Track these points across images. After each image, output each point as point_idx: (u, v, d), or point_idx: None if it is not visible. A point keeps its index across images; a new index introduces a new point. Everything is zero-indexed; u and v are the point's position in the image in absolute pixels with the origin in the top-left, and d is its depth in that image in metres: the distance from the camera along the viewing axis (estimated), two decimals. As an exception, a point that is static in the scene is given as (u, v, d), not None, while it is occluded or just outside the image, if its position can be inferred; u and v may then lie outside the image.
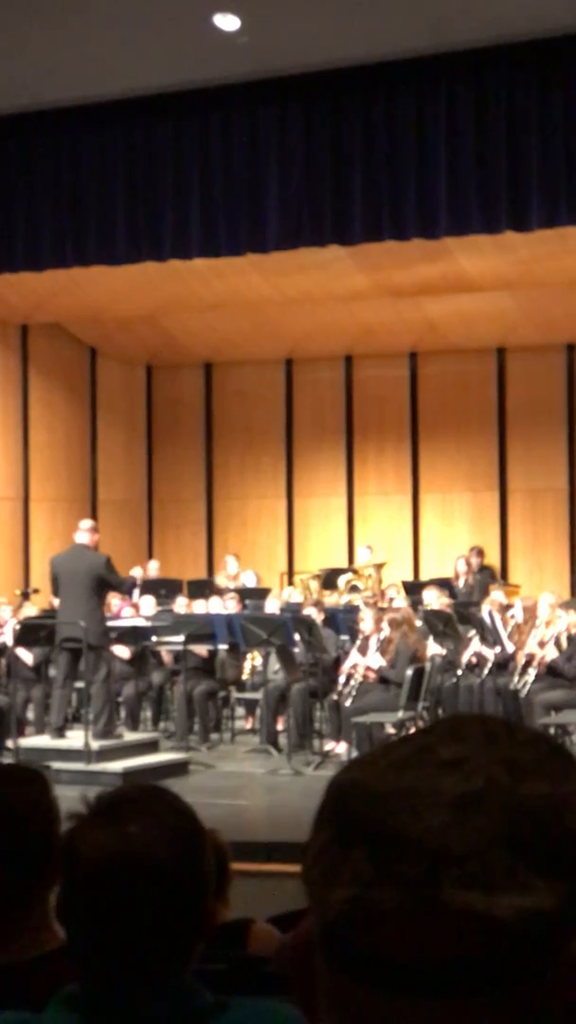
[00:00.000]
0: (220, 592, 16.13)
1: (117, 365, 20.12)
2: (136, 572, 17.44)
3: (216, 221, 12.56)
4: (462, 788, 0.83)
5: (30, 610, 14.68)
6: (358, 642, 12.71)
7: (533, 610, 13.20)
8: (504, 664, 12.86)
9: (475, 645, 13.05)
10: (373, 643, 12.47)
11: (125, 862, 1.81)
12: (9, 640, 13.21)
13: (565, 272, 15.24)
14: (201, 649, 13.57)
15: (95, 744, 11.53)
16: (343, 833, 0.84)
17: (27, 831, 2.43)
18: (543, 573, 18.43)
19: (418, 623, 13.33)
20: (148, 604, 15.39)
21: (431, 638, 13.31)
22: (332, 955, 0.84)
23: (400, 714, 11.74)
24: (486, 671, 12.85)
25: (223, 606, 15.05)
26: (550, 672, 12.42)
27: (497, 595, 14.51)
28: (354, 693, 12.29)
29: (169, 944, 1.81)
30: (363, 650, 12.54)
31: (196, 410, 20.47)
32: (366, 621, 12.67)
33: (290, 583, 18.51)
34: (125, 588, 14.48)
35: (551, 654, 12.42)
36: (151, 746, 12.32)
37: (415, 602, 14.78)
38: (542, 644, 12.57)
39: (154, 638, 13.81)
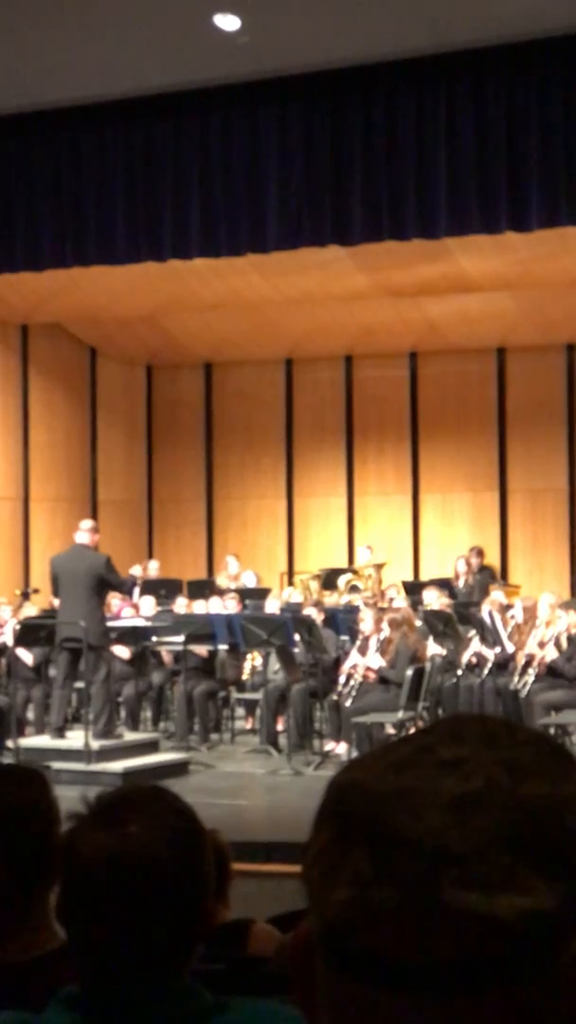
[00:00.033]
0: (221, 592, 16.14)
1: (117, 365, 20.12)
2: (135, 571, 17.45)
3: (216, 221, 12.56)
4: (462, 788, 0.83)
5: (30, 610, 14.69)
6: (358, 642, 12.71)
7: (533, 610, 13.20)
8: (504, 664, 12.86)
9: (475, 645, 13.05)
10: (373, 643, 12.47)
11: (125, 862, 1.81)
12: (9, 640, 13.22)
13: (565, 272, 15.24)
14: (201, 649, 13.57)
15: (95, 744, 11.53)
16: (343, 833, 0.84)
17: (27, 831, 2.43)
18: (543, 573, 18.43)
19: (418, 623, 13.33)
20: (148, 604, 15.39)
21: (431, 638, 13.32)
22: (332, 955, 0.84)
23: (400, 714, 11.74)
24: (486, 671, 12.85)
25: (223, 606, 15.06)
26: (550, 672, 12.43)
27: (497, 595, 14.51)
28: (354, 693, 12.30)
29: (169, 944, 1.81)
30: (363, 650, 12.54)
31: (196, 410, 20.47)
32: (366, 621, 12.67)
33: (290, 583, 18.51)
34: (125, 588, 14.49)
35: (551, 654, 12.43)
36: (151, 746, 12.32)
37: (415, 602, 14.79)
38: (542, 644, 12.57)
39: (154, 638, 13.81)
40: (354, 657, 12.57)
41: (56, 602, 12.77)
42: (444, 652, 13.31)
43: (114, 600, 14.96)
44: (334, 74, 12.05)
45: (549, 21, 11.16)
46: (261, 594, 16.54)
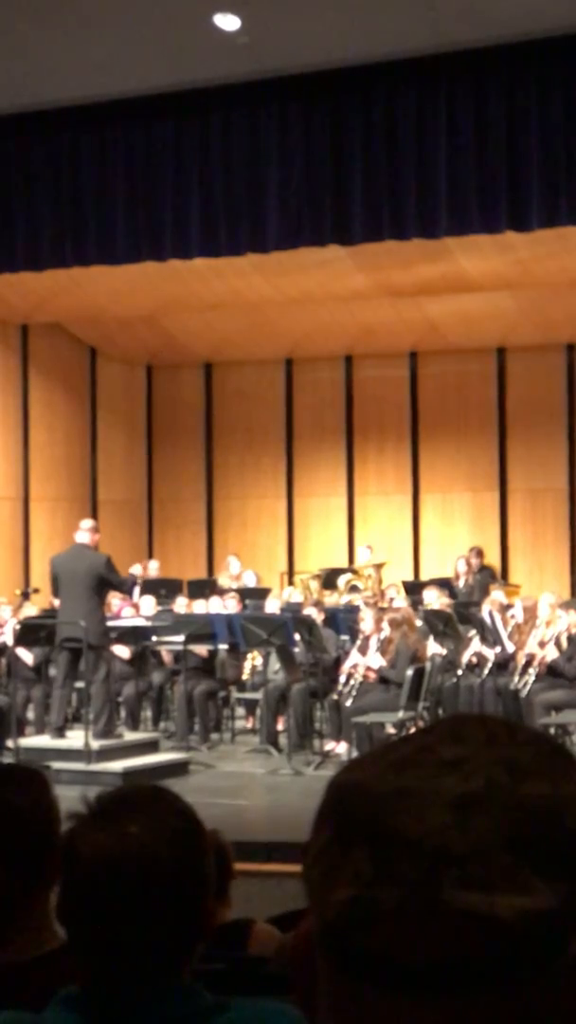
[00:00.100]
0: (221, 592, 16.14)
1: (117, 365, 20.12)
2: (135, 570, 17.45)
3: (216, 221, 12.56)
4: (462, 788, 0.83)
5: (30, 610, 14.69)
6: (358, 642, 12.71)
7: (533, 610, 13.20)
8: (504, 664, 12.86)
9: (475, 645, 13.05)
10: (373, 643, 12.47)
11: (125, 862, 1.81)
12: (9, 640, 13.21)
13: (565, 272, 15.24)
14: (201, 649, 13.57)
15: (95, 744, 11.53)
16: (343, 833, 0.84)
17: (27, 831, 2.43)
18: (543, 573, 18.44)
19: (418, 623, 13.33)
20: (148, 604, 15.39)
21: (431, 638, 13.32)
22: (332, 955, 0.84)
23: (400, 714, 11.74)
24: (486, 671, 12.85)
25: (223, 606, 15.06)
26: (550, 672, 12.43)
27: (497, 595, 14.51)
28: (354, 693, 12.29)
29: (169, 944, 1.81)
30: (363, 650, 12.54)
31: (196, 410, 20.48)
32: (366, 621, 12.67)
33: (290, 583, 18.51)
34: (126, 588, 14.49)
35: (551, 654, 12.43)
36: (151, 746, 12.32)
37: (415, 602, 14.79)
38: (542, 644, 12.57)
39: (154, 638, 13.81)
40: (354, 657, 12.57)
41: (56, 602, 12.76)
42: (444, 652, 13.31)
43: (114, 600, 14.96)
44: (334, 74, 12.05)
45: (549, 21, 11.16)
46: (261, 594, 16.54)
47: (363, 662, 12.42)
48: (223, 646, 13.60)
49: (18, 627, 13.17)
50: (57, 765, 10.76)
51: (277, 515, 19.97)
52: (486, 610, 13.46)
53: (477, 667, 13.00)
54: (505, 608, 13.70)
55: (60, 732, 11.99)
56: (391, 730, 11.89)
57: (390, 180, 12.00)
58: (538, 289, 16.37)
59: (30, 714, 13.60)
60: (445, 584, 16.37)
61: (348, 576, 17.38)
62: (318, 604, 14.74)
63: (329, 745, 12.56)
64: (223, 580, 17.80)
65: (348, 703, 12.20)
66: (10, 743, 12.05)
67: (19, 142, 13.25)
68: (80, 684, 12.22)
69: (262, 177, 12.38)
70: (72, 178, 13.05)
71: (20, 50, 11.83)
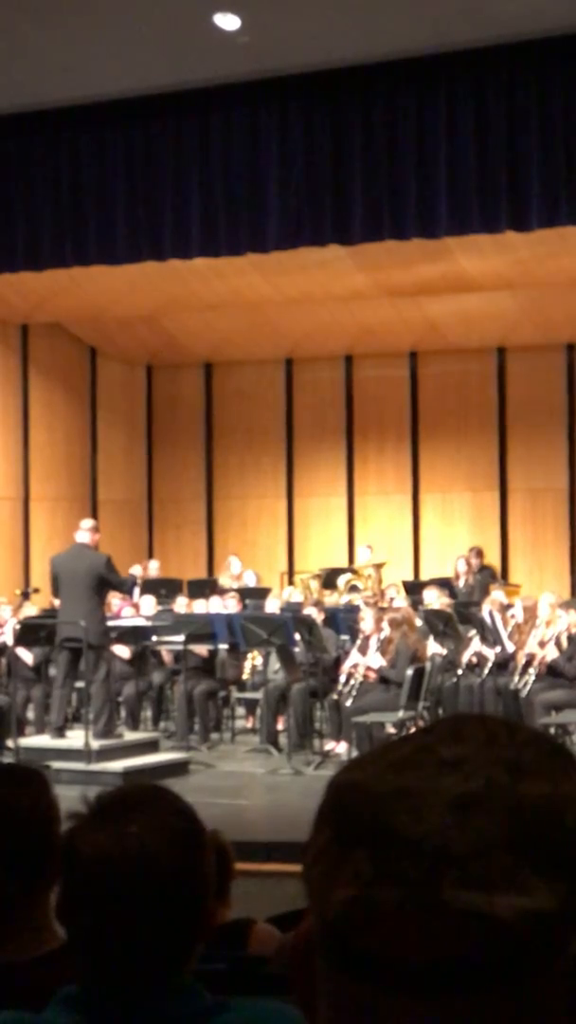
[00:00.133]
0: (221, 592, 16.14)
1: (117, 365, 20.12)
2: (135, 571, 17.45)
3: (216, 221, 12.57)
4: (462, 788, 0.83)
5: (30, 610, 14.69)
6: (358, 642, 12.71)
7: (533, 610, 13.20)
8: (504, 664, 12.86)
9: (475, 645, 13.05)
10: (373, 643, 12.47)
11: (125, 862, 1.81)
12: (9, 640, 13.21)
13: (565, 272, 15.24)
14: (201, 649, 13.57)
15: (95, 744, 11.53)
16: (343, 833, 0.84)
17: (27, 831, 2.43)
18: (543, 573, 18.44)
19: (418, 623, 13.33)
20: (148, 604, 15.39)
21: (431, 638, 13.32)
22: (332, 955, 0.84)
23: (400, 714, 11.74)
24: (486, 671, 12.85)
25: (223, 606, 15.05)
26: (550, 672, 12.42)
27: (497, 595, 14.51)
28: (354, 693, 12.29)
29: (169, 944, 1.81)
30: (363, 650, 12.54)
31: (196, 410, 20.48)
32: (366, 621, 12.66)
33: (290, 583, 18.51)
34: (126, 588, 14.49)
35: (551, 654, 12.42)
36: (151, 746, 12.32)
37: (415, 602, 14.78)
38: (542, 644, 12.57)
39: (154, 638, 13.81)
40: (354, 657, 12.57)
41: (57, 602, 12.76)
42: (444, 652, 13.31)
43: (114, 600, 14.96)
44: (334, 74, 12.05)
45: (549, 21, 11.17)
46: (261, 594, 16.54)
47: (363, 662, 12.42)
48: (223, 646, 13.59)
49: (18, 627, 13.17)
50: (57, 765, 10.76)
51: (277, 515, 19.97)
52: (486, 610, 13.46)
53: (477, 667, 13.00)
54: (505, 608, 13.70)
55: (60, 732, 11.99)
56: (391, 730, 11.89)
57: (390, 180, 12.00)
58: (538, 289, 16.37)
59: (30, 714, 13.60)
60: (445, 584, 16.37)
61: (348, 576, 17.38)
62: (318, 604, 14.74)
63: (329, 745, 12.56)
64: (224, 580, 17.80)
65: (348, 703, 12.20)
66: (10, 743, 12.05)
67: (19, 142, 13.26)
68: (80, 684, 12.22)
69: (262, 177, 12.38)
70: (72, 178, 13.05)
71: (20, 50, 11.83)
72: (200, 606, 15.32)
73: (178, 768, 11.80)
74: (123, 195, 12.85)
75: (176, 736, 13.16)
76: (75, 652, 11.87)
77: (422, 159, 11.88)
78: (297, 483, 19.94)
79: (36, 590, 16.12)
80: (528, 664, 12.53)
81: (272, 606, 15.34)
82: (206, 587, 17.00)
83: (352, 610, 14.45)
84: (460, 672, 12.95)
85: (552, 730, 11.52)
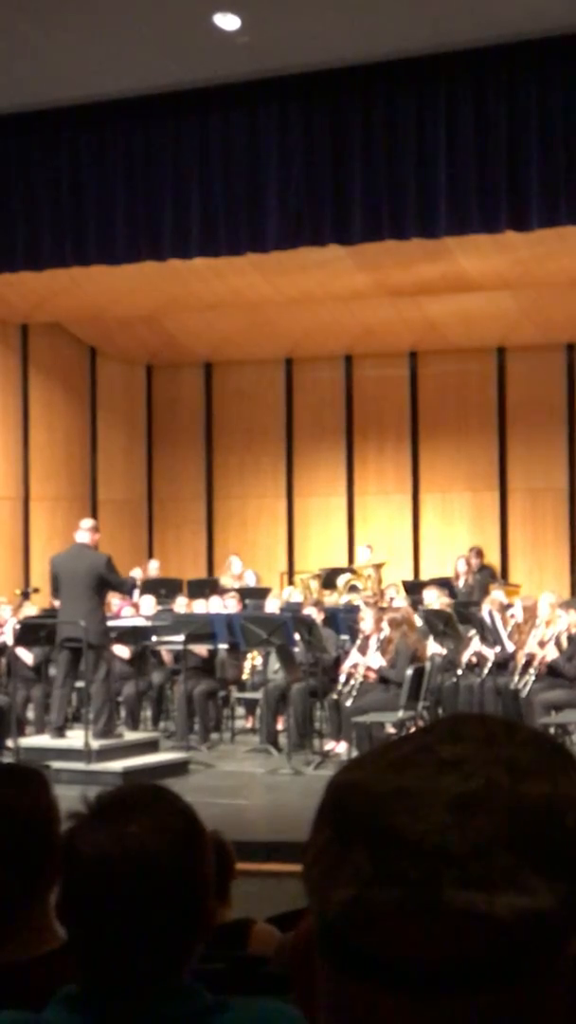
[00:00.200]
0: (221, 592, 16.14)
1: (117, 365, 20.12)
2: (136, 573, 17.44)
3: (216, 221, 12.56)
4: (462, 788, 0.83)
5: (30, 610, 14.69)
6: (358, 642, 12.70)
7: (533, 610, 13.20)
8: (504, 664, 12.85)
9: (475, 645, 13.04)
10: (373, 643, 12.47)
11: (125, 862, 1.81)
12: (9, 640, 13.21)
13: (565, 272, 15.24)
14: (201, 649, 13.57)
15: (95, 744, 11.53)
16: (343, 833, 0.84)
17: (27, 831, 2.43)
18: (543, 573, 18.43)
19: (418, 623, 13.33)
20: (148, 604, 15.38)
21: (431, 638, 13.31)
22: (332, 955, 0.84)
23: (400, 714, 11.74)
24: (486, 671, 12.84)
25: (223, 606, 15.05)
26: (550, 672, 12.42)
27: (497, 595, 14.51)
28: (354, 693, 12.29)
29: (169, 944, 1.81)
30: (363, 650, 12.54)
31: (196, 410, 20.48)
32: (366, 621, 12.66)
33: (290, 583, 18.51)
34: (125, 588, 14.48)
35: (551, 654, 12.42)
36: (151, 746, 12.32)
37: (415, 602, 14.78)
38: (542, 644, 12.57)
39: (154, 638, 13.81)
40: (354, 657, 12.57)
41: (57, 603, 12.75)
42: (444, 652, 13.30)
43: (114, 599, 14.96)
44: (334, 74, 12.05)
45: (549, 21, 11.16)
46: (261, 593, 16.54)
47: (363, 662, 12.42)
48: (223, 646, 13.59)
49: (18, 627, 13.17)
50: (57, 765, 10.76)
51: (277, 515, 19.97)
52: (486, 610, 13.46)
53: (477, 667, 13.00)
54: (505, 608, 13.70)
55: (60, 732, 11.99)
56: (391, 730, 11.89)
57: (390, 180, 12.00)
58: (538, 289, 16.37)
59: (30, 714, 13.60)
60: (445, 584, 16.37)
61: (348, 576, 17.37)
62: (318, 604, 14.74)
63: (329, 745, 12.56)
64: (226, 580, 17.81)
65: (348, 703, 12.20)
66: (10, 743, 12.05)
67: (19, 142, 13.25)
68: (80, 684, 12.22)
69: (262, 177, 12.38)
70: (72, 178, 13.05)
71: (20, 50, 11.83)
72: (200, 606, 15.32)
73: (178, 768, 11.80)
74: (123, 195, 12.85)
75: (176, 736, 13.17)
76: (75, 652, 11.87)
77: (422, 159, 11.88)
78: (297, 483, 19.94)
79: (36, 590, 16.12)
80: (528, 664, 12.53)
81: (272, 606, 15.34)
82: (206, 587, 17.00)
83: (352, 610, 14.44)
84: (460, 672, 12.95)
85: (552, 730, 11.52)
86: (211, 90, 12.45)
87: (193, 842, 1.87)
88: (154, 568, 18.58)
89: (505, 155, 11.62)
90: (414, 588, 16.31)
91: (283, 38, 11.56)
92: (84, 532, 12.20)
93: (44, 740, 12.20)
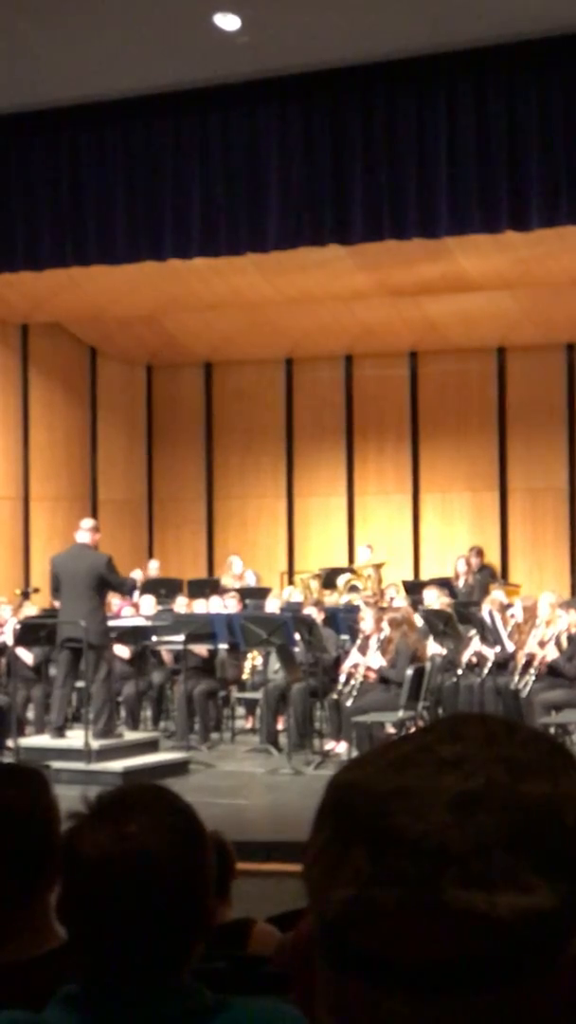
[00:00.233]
0: (222, 591, 16.14)
1: (117, 365, 20.12)
2: (136, 575, 17.44)
3: (216, 220, 12.56)
4: (462, 787, 0.83)
5: (30, 609, 14.69)
6: (358, 642, 12.71)
7: (533, 610, 13.20)
8: (504, 664, 12.86)
9: (475, 645, 13.05)
10: (373, 643, 12.48)
11: (125, 862, 1.81)
12: (9, 639, 13.21)
13: (565, 272, 15.24)
14: (201, 649, 13.57)
15: (95, 743, 11.53)
16: (343, 832, 0.84)
17: (27, 831, 2.43)
18: (543, 572, 18.43)
19: (418, 623, 13.33)
20: (148, 604, 15.39)
21: (431, 638, 13.31)
22: (332, 954, 0.84)
23: (400, 714, 11.75)
24: (486, 671, 12.84)
25: (223, 605, 15.05)
26: (550, 672, 12.42)
27: (497, 595, 14.51)
28: (354, 693, 12.29)
29: (169, 944, 1.81)
30: (363, 650, 12.54)
31: (196, 410, 20.48)
32: (366, 621, 12.67)
33: (290, 583, 18.51)
34: (126, 589, 14.49)
35: (551, 654, 12.42)
36: (151, 746, 12.32)
37: (415, 602, 14.78)
38: (542, 644, 12.57)
39: (154, 638, 13.81)
40: (354, 656, 12.57)
41: (57, 603, 12.75)
42: (444, 651, 13.30)
43: (114, 599, 14.95)
44: (334, 73, 12.05)
45: (549, 21, 11.16)
46: (261, 593, 16.54)
47: (363, 662, 12.42)
48: (223, 646, 13.59)
49: (18, 627, 13.17)
50: (57, 765, 10.76)
51: (277, 515, 19.97)
52: (486, 610, 13.46)
53: (477, 667, 13.00)
54: (505, 608, 13.70)
55: (60, 732, 11.99)
56: (391, 730, 11.89)
57: (390, 180, 12.00)
58: (538, 289, 16.37)
59: (30, 714, 13.61)
60: (445, 584, 16.37)
61: (348, 576, 17.38)
62: (318, 604, 14.74)
63: (329, 745, 12.56)
64: (227, 580, 17.81)
65: (348, 703, 12.21)
66: (10, 743, 12.05)
67: (19, 142, 13.25)
68: (81, 684, 12.22)
69: (262, 177, 12.38)
70: (72, 178, 13.05)
71: (20, 50, 11.83)
72: (200, 606, 15.32)
73: (178, 768, 11.80)
74: (123, 195, 12.84)
75: (176, 736, 13.17)
76: (76, 652, 11.87)
77: (422, 159, 11.88)
78: (297, 483, 19.93)
79: (36, 590, 16.12)
80: (528, 664, 12.53)
81: (272, 606, 15.34)
82: (206, 587, 17.01)
83: (352, 610, 14.44)
84: (460, 672, 12.95)
85: (552, 730, 11.52)
86: (211, 90, 12.45)
87: (193, 842, 1.87)
88: (154, 568, 18.58)
89: (505, 155, 11.62)
90: (414, 588, 16.31)
91: (283, 38, 11.55)
92: (84, 532, 12.20)
93: (44, 740, 12.20)
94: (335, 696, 12.50)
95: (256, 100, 12.40)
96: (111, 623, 13.05)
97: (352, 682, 12.39)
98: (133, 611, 15.25)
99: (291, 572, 19.33)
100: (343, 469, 19.71)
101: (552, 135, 11.50)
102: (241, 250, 12.90)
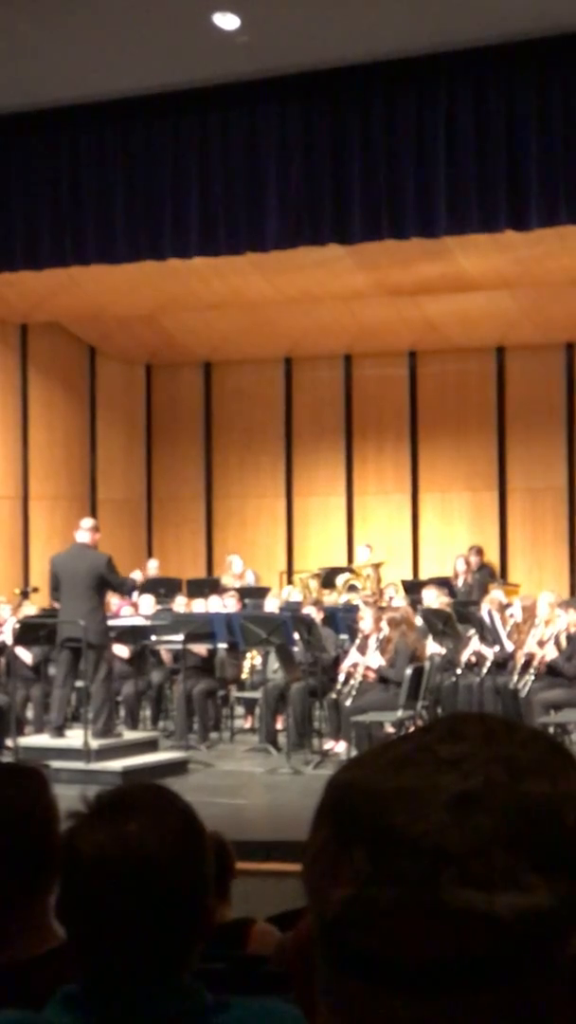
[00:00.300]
0: (221, 591, 16.13)
1: (117, 364, 20.12)
2: (136, 575, 17.43)
3: (215, 220, 12.56)
4: (461, 787, 0.83)
5: (29, 609, 14.68)
6: (357, 641, 12.71)
7: (532, 609, 13.21)
8: (503, 663, 12.86)
9: (474, 644, 13.05)
10: (372, 642, 12.48)
11: (124, 861, 1.81)
12: (8, 639, 13.21)
13: (564, 271, 15.24)
14: (200, 648, 13.57)
15: (94, 743, 11.53)
16: (342, 832, 0.84)
17: (26, 830, 2.43)
18: (542, 572, 18.43)
19: (417, 622, 13.33)
20: (147, 603, 15.38)
21: (430, 637, 13.31)
22: (331, 954, 0.84)
23: (399, 713, 11.74)
24: (485, 670, 12.84)
25: (222, 605, 15.05)
26: (549, 671, 12.42)
27: (496, 594, 14.51)
28: (353, 692, 12.29)
29: (169, 943, 1.81)
30: (362, 649, 12.54)
31: (195, 409, 20.47)
32: (365, 620, 12.67)
33: (289, 582, 18.50)
34: (126, 589, 14.48)
35: (550, 653, 12.42)
36: (150, 745, 12.32)
37: (414, 601, 14.77)
38: (541, 643, 12.57)
39: (153, 637, 13.80)
40: (353, 656, 12.57)
41: (56, 603, 12.74)
42: (443, 651, 13.30)
43: (113, 599, 14.95)
44: (334, 73, 12.05)
45: (549, 21, 11.16)
46: (260, 593, 16.53)
47: (362, 661, 12.42)
48: (222, 645, 13.59)
49: (17, 626, 13.17)
50: (56, 764, 10.74)
51: (276, 514, 19.97)
52: (485, 609, 13.46)
53: (476, 666, 13.00)
54: (504, 607, 13.70)
55: (60, 731, 11.99)
56: (390, 729, 11.89)
57: (389, 179, 12.00)
58: (538, 288, 16.37)
59: (29, 713, 13.60)
60: (444, 583, 16.36)
61: (347, 575, 17.37)
62: (317, 603, 14.74)
63: (328, 744, 12.56)
64: (226, 579, 17.80)
65: (347, 702, 12.20)
66: (9, 742, 12.05)
67: (19, 142, 13.25)
68: (81, 684, 12.22)
69: (261, 176, 12.38)
70: (71, 178, 13.05)
71: (20, 50, 11.83)
72: (199, 605, 15.32)
73: (177, 767, 11.80)
74: (122, 194, 12.85)
75: (175, 735, 13.16)
76: (76, 652, 11.87)
77: (421, 158, 11.88)
78: (296, 482, 19.93)
79: (35, 589, 16.12)
80: (527, 663, 12.53)
81: (271, 605, 15.34)
82: (205, 586, 17.00)
83: (351, 609, 14.44)
84: (459, 671, 12.95)
85: (551, 729, 11.52)
86: (210, 90, 12.45)
87: (193, 841, 1.87)
88: (153, 567, 18.57)
89: (505, 154, 11.62)
90: (413, 587, 16.31)
91: (282, 38, 11.56)
92: (84, 532, 12.19)
93: (43, 739, 12.20)
94: (334, 696, 12.50)
95: (255, 100, 12.41)
96: (110, 623, 13.05)
97: (351, 682, 12.39)
98: (132, 610, 15.24)
99: (290, 572, 19.33)
100: (342, 468, 19.70)
101: (551, 135, 11.50)
102: (240, 249, 12.90)
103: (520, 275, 15.52)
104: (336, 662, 12.89)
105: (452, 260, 14.79)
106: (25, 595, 15.68)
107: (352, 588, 17.02)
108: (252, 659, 14.24)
